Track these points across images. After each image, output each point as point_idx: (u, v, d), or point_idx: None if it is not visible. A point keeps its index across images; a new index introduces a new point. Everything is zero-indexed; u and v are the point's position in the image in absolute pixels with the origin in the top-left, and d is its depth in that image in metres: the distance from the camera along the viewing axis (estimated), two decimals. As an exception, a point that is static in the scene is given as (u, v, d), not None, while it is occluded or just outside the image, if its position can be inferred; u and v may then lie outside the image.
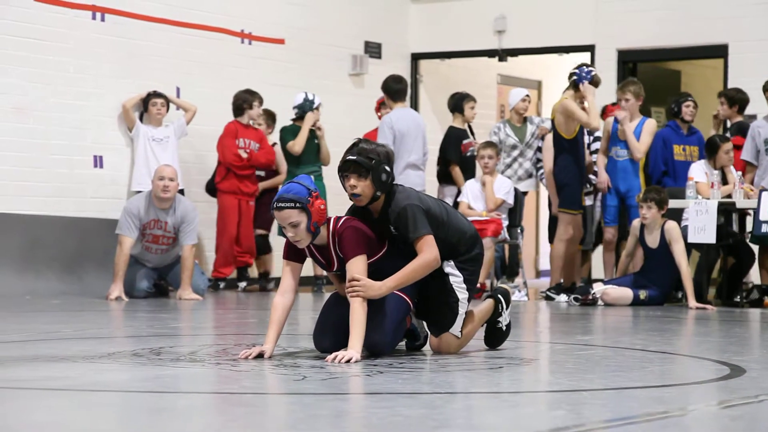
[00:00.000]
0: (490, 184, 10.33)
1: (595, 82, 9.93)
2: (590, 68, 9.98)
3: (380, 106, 11.25)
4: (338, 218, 5.08)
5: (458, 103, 11.20)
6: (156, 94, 10.60)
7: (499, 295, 5.60)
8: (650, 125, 10.21)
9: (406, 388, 4.26)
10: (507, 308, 5.59)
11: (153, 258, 9.73)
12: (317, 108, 10.86)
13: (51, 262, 10.01)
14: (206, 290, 10.10)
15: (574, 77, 9.93)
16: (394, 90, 10.86)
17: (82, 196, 10.42)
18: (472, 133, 11.27)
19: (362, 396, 4.00)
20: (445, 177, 11.02)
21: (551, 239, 10.46)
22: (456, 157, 10.97)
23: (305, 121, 10.79)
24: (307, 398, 3.99)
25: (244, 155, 10.63)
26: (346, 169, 5.06)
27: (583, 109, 9.86)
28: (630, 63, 12.55)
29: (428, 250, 4.96)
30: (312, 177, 5.21)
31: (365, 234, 4.99)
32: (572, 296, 9.53)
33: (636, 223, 9.57)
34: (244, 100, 10.69)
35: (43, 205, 10.09)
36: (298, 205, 4.90)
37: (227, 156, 10.61)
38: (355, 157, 5.03)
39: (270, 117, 10.92)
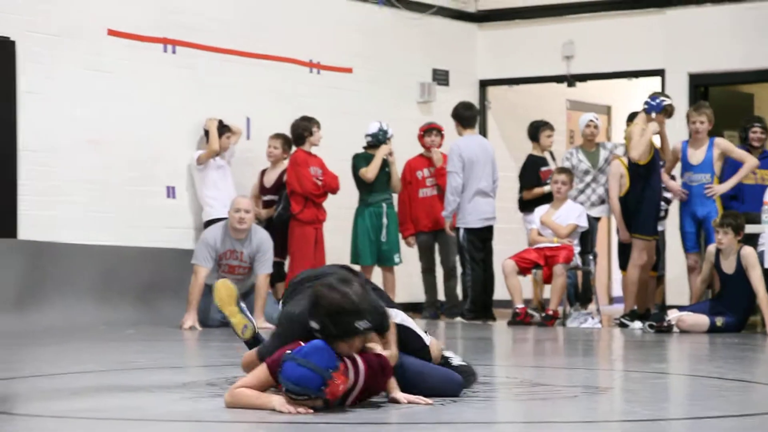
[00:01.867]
0: (548, 218, 10.28)
1: (667, 112, 9.87)
2: (662, 98, 9.91)
3: (423, 134, 11.26)
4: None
5: (535, 131, 11.19)
6: (225, 126, 10.70)
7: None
8: (723, 141, 10.14)
9: (481, 417, 4.24)
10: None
11: (229, 287, 9.80)
12: (390, 138, 10.91)
13: (126, 292, 10.13)
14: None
15: (645, 107, 9.89)
16: (465, 117, 10.87)
17: (156, 226, 10.55)
18: (554, 160, 11.23)
19: (436, 425, 3.99)
20: (526, 205, 10.99)
21: (622, 266, 10.37)
22: (529, 183, 10.93)
23: (379, 151, 10.83)
24: (383, 428, 3.99)
25: (320, 183, 10.67)
26: (355, 334, 4.26)
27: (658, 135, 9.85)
28: (701, 87, 12.42)
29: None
30: (325, 351, 4.23)
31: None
32: (647, 323, 9.43)
33: (711, 248, 9.46)
34: (304, 128, 10.72)
35: (117, 236, 10.22)
36: (312, 396, 4.17)
37: (306, 185, 10.61)
38: (369, 325, 4.27)
39: (286, 142, 10.93)
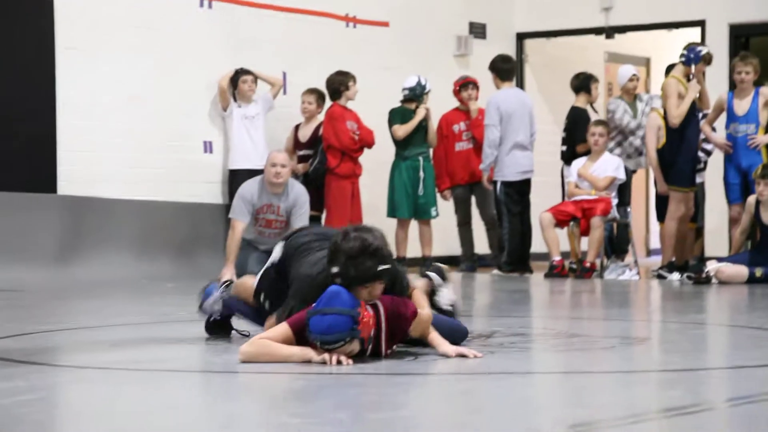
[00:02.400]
0: (586, 172, 10.21)
1: (705, 60, 9.75)
2: (700, 48, 9.79)
3: (459, 88, 11.18)
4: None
5: (584, 82, 11.05)
6: (244, 71, 10.70)
7: (430, 273, 5.13)
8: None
9: (520, 367, 4.24)
10: (445, 284, 5.03)
11: (265, 241, 9.83)
12: (427, 93, 10.85)
13: (164, 246, 10.20)
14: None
15: (682, 58, 9.77)
16: (502, 69, 10.78)
17: (194, 181, 10.59)
18: (596, 112, 11.14)
19: (474, 376, 3.99)
20: (571, 158, 10.91)
21: (660, 218, 10.30)
22: (582, 136, 10.88)
23: (417, 114, 10.77)
24: (419, 379, 3.99)
25: (356, 137, 10.65)
26: (376, 278, 4.25)
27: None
28: (742, 37, 12.25)
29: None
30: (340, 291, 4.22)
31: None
32: (685, 275, 9.37)
33: (751, 199, 9.36)
34: (340, 83, 10.69)
35: (155, 191, 10.27)
36: (347, 339, 4.14)
37: (344, 140, 10.61)
38: (388, 266, 4.26)
39: (320, 97, 10.89)
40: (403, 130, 10.73)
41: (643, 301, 8.19)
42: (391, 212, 10.92)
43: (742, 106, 10.01)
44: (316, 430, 3.00)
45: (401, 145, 10.88)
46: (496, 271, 10.71)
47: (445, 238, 11.70)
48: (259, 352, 4.22)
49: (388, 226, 10.60)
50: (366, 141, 10.69)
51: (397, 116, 10.81)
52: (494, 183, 10.65)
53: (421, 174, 10.88)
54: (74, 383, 3.97)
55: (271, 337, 4.27)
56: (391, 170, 10.97)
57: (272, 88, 10.85)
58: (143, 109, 10.18)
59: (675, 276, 9.69)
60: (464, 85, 11.16)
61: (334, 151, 10.62)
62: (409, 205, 10.88)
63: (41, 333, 5.45)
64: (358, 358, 4.20)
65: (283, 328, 4.27)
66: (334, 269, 4.24)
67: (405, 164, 10.89)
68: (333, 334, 4.13)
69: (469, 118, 11.10)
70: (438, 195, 11.16)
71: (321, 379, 3.94)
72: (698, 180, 10.38)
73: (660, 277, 9.89)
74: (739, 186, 10.01)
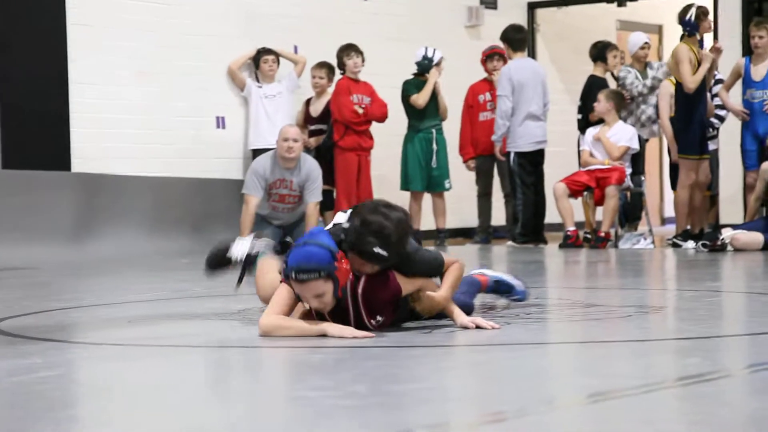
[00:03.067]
0: (604, 136, 10.18)
1: (701, 18, 9.70)
2: (690, 13, 9.72)
3: (486, 59, 11.15)
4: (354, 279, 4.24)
5: (601, 51, 11.00)
6: (266, 51, 10.68)
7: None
8: None
9: (536, 338, 4.23)
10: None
11: (279, 216, 9.85)
12: (439, 63, 10.81)
13: (178, 222, 10.21)
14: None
15: (685, 32, 9.73)
16: (515, 40, 10.73)
17: (206, 156, 10.59)
18: (616, 80, 11.08)
19: (490, 347, 3.99)
20: (586, 126, 10.87)
21: (674, 186, 10.27)
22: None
23: (429, 77, 10.75)
24: (437, 350, 3.99)
25: (360, 111, 10.63)
26: (368, 257, 4.17)
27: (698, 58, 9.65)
28: (755, 2, 12.15)
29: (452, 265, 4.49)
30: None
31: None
32: (700, 242, 9.34)
33: (765, 166, 9.32)
34: (341, 55, 10.69)
35: (168, 167, 10.28)
36: (323, 273, 4.07)
37: (344, 113, 10.63)
38: (386, 256, 4.15)
39: (331, 71, 10.87)
40: (422, 98, 10.71)
41: (658, 269, 8.17)
42: (404, 185, 10.91)
43: (758, 72, 9.95)
44: (335, 403, 3.00)
45: (414, 117, 10.85)
46: (510, 243, 10.69)
47: (458, 210, 11.69)
48: (278, 325, 4.22)
49: (401, 200, 10.59)
50: (374, 115, 10.67)
51: (412, 87, 10.78)
52: (507, 154, 10.62)
53: (434, 146, 10.86)
54: (91, 360, 3.98)
55: (277, 311, 4.24)
56: (403, 143, 10.95)
57: (296, 66, 10.83)
58: (155, 85, 10.18)
59: (690, 244, 9.66)
60: (490, 56, 11.13)
61: (339, 125, 10.65)
62: (423, 177, 10.87)
63: (58, 310, 5.47)
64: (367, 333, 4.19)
65: (284, 290, 4.22)
66: (345, 225, 4.23)
67: (418, 137, 10.87)
68: (311, 263, 4.04)
69: (494, 89, 11.05)
70: (451, 167, 11.14)
71: (338, 353, 3.94)
72: (711, 147, 10.33)
73: (675, 245, 9.87)
74: (756, 152, 9.96)
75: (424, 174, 10.88)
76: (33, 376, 3.49)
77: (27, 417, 2.82)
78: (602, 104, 10.21)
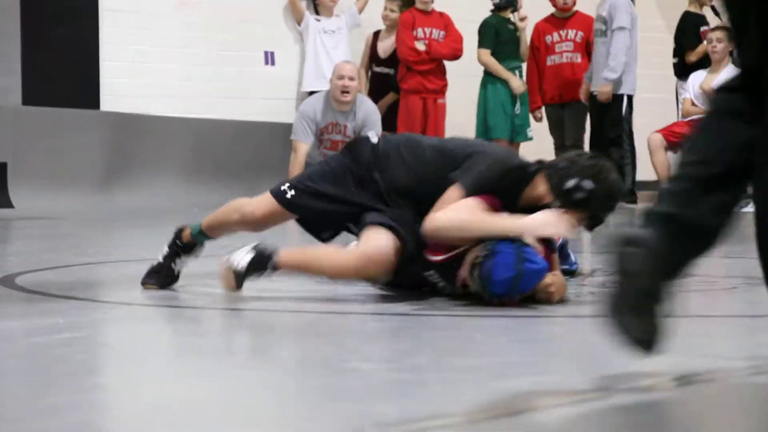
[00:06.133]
0: (708, 82, 10.02)
1: None
2: None
3: None
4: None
5: None
6: None
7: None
8: None
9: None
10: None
11: (332, 166, 9.86)
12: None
13: (219, 170, 10.26)
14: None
15: None
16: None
17: (253, 97, 10.61)
18: (717, 15, 10.91)
19: (570, 319, 3.97)
20: (684, 71, 10.71)
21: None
22: (691, 43, 10.64)
23: (519, 24, 10.64)
24: (508, 321, 3.97)
25: (422, 47, 10.56)
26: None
27: None
28: None
29: None
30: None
31: None
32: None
33: None
34: None
35: (210, 108, 10.32)
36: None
37: (402, 50, 10.58)
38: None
39: (405, 4, 10.79)
40: (492, 63, 10.60)
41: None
42: (484, 133, 10.83)
43: None
44: (391, 377, 3.00)
45: (497, 57, 10.78)
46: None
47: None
48: (464, 219, 4.13)
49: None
50: (439, 52, 10.57)
51: (488, 35, 10.63)
52: (618, 97, 10.40)
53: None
54: (119, 321, 4.02)
55: (466, 205, 4.15)
56: (481, 87, 10.86)
57: (357, 1, 10.78)
58: (196, 15, 10.19)
59: None
60: None
61: (402, 64, 10.63)
62: (507, 125, 10.77)
63: (82, 265, 5.53)
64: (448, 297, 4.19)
65: (474, 203, 4.15)
66: (586, 183, 4.19)
67: (500, 80, 10.77)
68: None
69: (563, 27, 10.91)
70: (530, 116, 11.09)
71: (397, 320, 3.94)
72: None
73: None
74: None
75: (509, 120, 10.79)
76: (54, 337, 3.53)
77: (47, 383, 2.85)
78: (717, 45, 10.00)
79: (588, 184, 4.18)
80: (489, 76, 10.84)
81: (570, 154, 4.40)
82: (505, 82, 10.75)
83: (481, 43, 10.69)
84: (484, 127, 10.87)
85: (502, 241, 4.06)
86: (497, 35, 10.70)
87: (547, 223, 4.11)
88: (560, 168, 4.22)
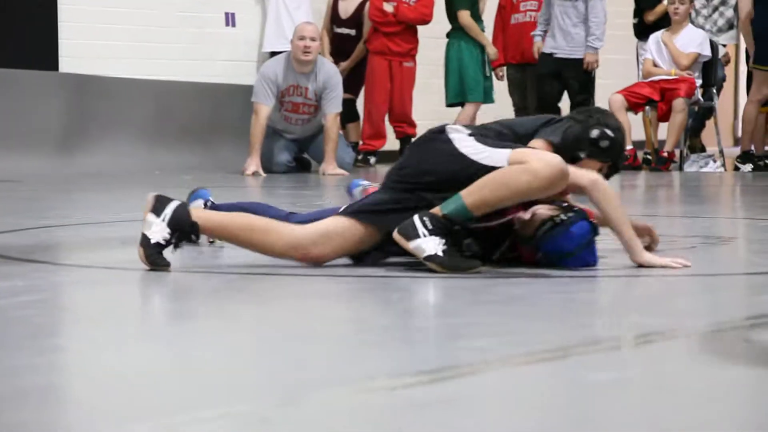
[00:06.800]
0: (670, 41, 10.05)
1: None
2: None
3: None
4: None
5: None
6: None
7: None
8: None
9: (585, 271, 4.22)
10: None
11: (293, 129, 9.82)
12: None
13: (181, 133, 10.22)
14: (353, 165, 10.18)
15: None
16: None
17: (214, 58, 10.55)
18: None
19: (531, 279, 3.98)
20: (643, 31, 10.72)
21: (754, 101, 10.20)
22: (653, 3, 10.65)
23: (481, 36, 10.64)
24: (472, 282, 3.98)
25: (390, 9, 10.53)
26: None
27: None
28: None
29: None
30: None
31: None
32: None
33: None
34: None
35: (170, 69, 10.26)
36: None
37: (370, 11, 10.57)
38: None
39: None
40: (473, 26, 10.58)
41: (728, 196, 8.13)
42: (458, 97, 10.81)
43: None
44: (354, 339, 3.01)
45: (456, 19, 10.76)
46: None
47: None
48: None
49: (448, 116, 10.58)
50: (406, 16, 10.55)
51: None
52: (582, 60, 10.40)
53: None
54: (79, 284, 4.00)
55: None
56: (453, 49, 10.81)
57: None
58: (155, -25, 10.12)
59: (748, 167, 9.64)
60: None
61: (371, 25, 10.63)
62: (482, 87, 10.78)
63: (42, 228, 5.50)
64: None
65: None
66: (608, 131, 4.22)
67: (473, 41, 10.74)
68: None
69: None
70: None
71: (359, 282, 3.94)
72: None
73: (735, 168, 9.88)
74: None
75: (482, 83, 10.78)
76: (13, 300, 3.52)
77: (5, 345, 2.84)
78: (679, 7, 10.02)
79: (609, 132, 4.24)
80: (462, 39, 10.80)
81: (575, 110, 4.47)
82: (478, 45, 10.74)
83: (459, 4, 10.67)
84: (460, 89, 10.83)
85: (583, 219, 4.10)
86: (473, 3, 10.70)
87: (663, 262, 4.08)
88: (579, 120, 4.25)
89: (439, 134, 4.16)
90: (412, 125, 10.94)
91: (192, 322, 3.31)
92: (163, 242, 3.97)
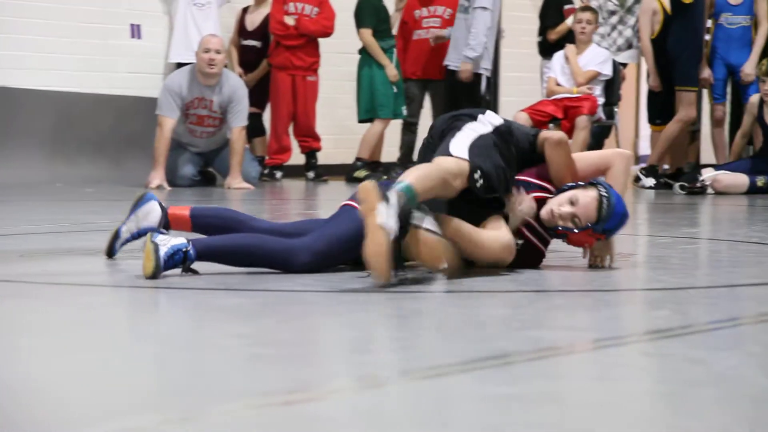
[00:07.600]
0: (573, 56, 10.19)
1: None
2: None
3: None
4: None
5: None
6: None
7: None
8: None
9: (488, 286, 4.26)
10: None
11: (198, 142, 9.78)
12: None
13: (83, 145, 10.13)
14: (258, 178, 10.17)
15: None
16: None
17: (117, 70, 10.47)
18: None
19: (437, 294, 4.01)
20: (548, 49, 10.85)
21: (651, 119, 10.35)
22: (556, 23, 10.79)
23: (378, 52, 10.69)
24: (378, 296, 4.00)
25: (291, 22, 10.54)
26: None
27: None
28: None
29: None
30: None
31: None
32: (678, 184, 9.45)
33: (754, 99, 9.42)
34: None
35: (72, 81, 10.16)
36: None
37: (272, 24, 10.59)
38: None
39: None
40: (373, 45, 10.63)
41: (629, 212, 8.23)
42: (369, 114, 10.85)
43: (737, -5, 10.03)
44: (252, 352, 3.01)
45: (375, 36, 10.81)
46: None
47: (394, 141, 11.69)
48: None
49: (355, 130, 10.62)
50: (307, 28, 10.58)
51: (369, 13, 10.65)
52: (479, 77, 10.48)
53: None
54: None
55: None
56: (365, 65, 10.85)
57: None
58: (58, -15, 10.02)
59: (649, 182, 9.84)
60: None
61: (274, 39, 10.65)
62: (391, 103, 10.83)
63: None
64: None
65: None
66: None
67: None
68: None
69: (433, 3, 10.99)
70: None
71: (262, 296, 3.94)
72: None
73: (636, 179, 10.05)
74: (724, 82, 10.07)
75: (392, 100, 10.83)
76: None
77: None
78: (586, 27, 10.16)
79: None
80: (368, 57, 10.87)
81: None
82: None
83: (363, 22, 10.71)
84: (371, 106, 10.87)
85: (601, 184, 4.47)
86: (377, 13, 10.74)
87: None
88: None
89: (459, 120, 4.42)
90: (317, 139, 10.96)
91: (90, 334, 3.29)
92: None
